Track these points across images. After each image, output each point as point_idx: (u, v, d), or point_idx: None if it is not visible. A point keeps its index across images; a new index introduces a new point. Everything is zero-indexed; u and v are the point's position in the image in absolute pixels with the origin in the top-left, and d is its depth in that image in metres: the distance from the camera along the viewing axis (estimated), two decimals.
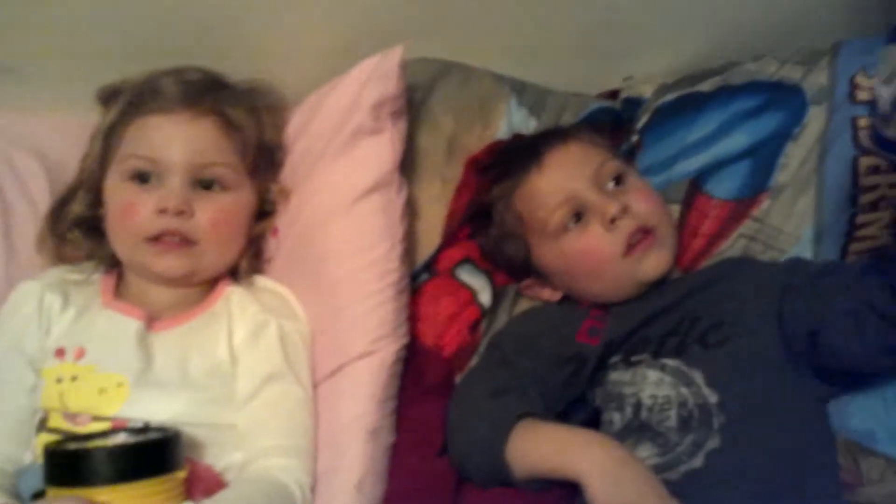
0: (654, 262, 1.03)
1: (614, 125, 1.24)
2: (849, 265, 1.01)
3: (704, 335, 0.98)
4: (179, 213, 0.99)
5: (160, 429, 0.86)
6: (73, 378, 0.94)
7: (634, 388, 0.97)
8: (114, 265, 1.06)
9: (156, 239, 0.99)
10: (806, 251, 1.09)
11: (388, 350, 1.00)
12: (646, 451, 0.93)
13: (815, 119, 1.12)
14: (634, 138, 1.20)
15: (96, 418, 0.92)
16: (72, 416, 0.93)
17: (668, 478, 0.90)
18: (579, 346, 1.02)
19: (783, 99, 1.15)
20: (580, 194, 1.04)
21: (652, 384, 0.97)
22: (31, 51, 1.14)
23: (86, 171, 1.07)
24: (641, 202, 1.05)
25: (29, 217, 1.10)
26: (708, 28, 1.22)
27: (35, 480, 0.87)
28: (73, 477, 0.80)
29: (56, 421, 0.93)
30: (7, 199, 1.11)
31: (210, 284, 1.05)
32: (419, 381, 1.05)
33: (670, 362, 0.97)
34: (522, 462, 0.92)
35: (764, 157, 1.14)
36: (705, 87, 1.18)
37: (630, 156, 1.19)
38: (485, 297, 1.13)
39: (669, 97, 1.20)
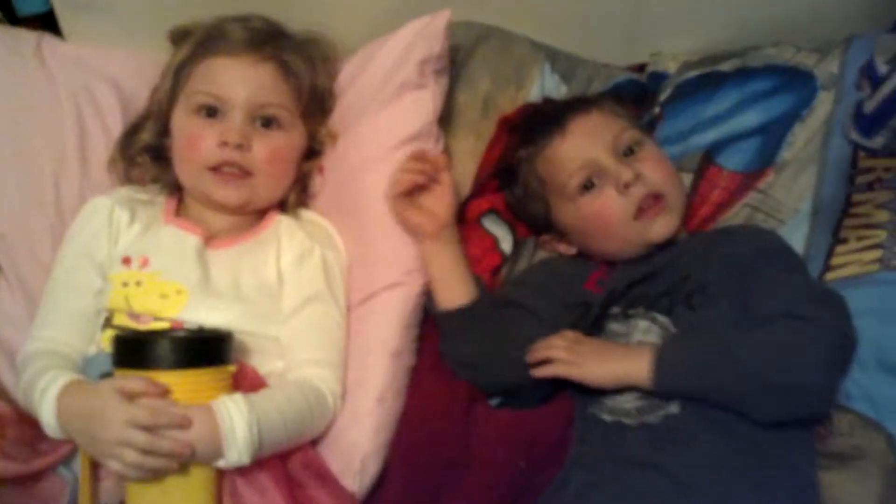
0: (661, 226, 1.12)
1: (639, 97, 1.33)
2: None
3: (690, 296, 1.07)
4: (239, 146, 1.10)
5: (214, 330, 0.98)
6: (138, 283, 1.06)
7: (627, 338, 1.08)
8: (176, 189, 1.17)
9: (216, 169, 1.10)
10: (804, 223, 1.18)
11: (416, 283, 1.12)
12: (631, 394, 1.03)
13: (823, 103, 1.21)
14: (656, 110, 1.30)
15: (157, 319, 1.05)
16: (135, 316, 1.05)
17: (648, 420, 1.02)
18: (586, 293, 1.13)
19: (796, 83, 1.24)
20: (598, 160, 1.13)
21: (641, 331, 1.07)
22: None
23: (155, 103, 1.19)
24: (654, 170, 1.13)
25: (102, 141, 1.22)
26: (733, 13, 1.30)
27: (100, 366, 1.00)
28: (139, 360, 0.92)
29: (120, 319, 1.06)
30: (85, 123, 1.23)
31: (261, 213, 1.17)
32: None
33: (660, 317, 1.07)
34: None
35: (773, 134, 1.23)
36: (725, 66, 1.28)
37: (651, 126, 1.29)
38: (506, 246, 1.23)
39: (691, 74, 1.30)
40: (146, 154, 1.19)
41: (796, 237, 1.17)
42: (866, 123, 0.92)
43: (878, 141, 0.92)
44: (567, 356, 1.05)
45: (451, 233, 1.13)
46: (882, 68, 0.85)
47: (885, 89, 0.85)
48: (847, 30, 1.24)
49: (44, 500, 0.97)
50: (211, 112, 1.12)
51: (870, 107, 0.89)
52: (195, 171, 1.12)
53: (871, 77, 0.87)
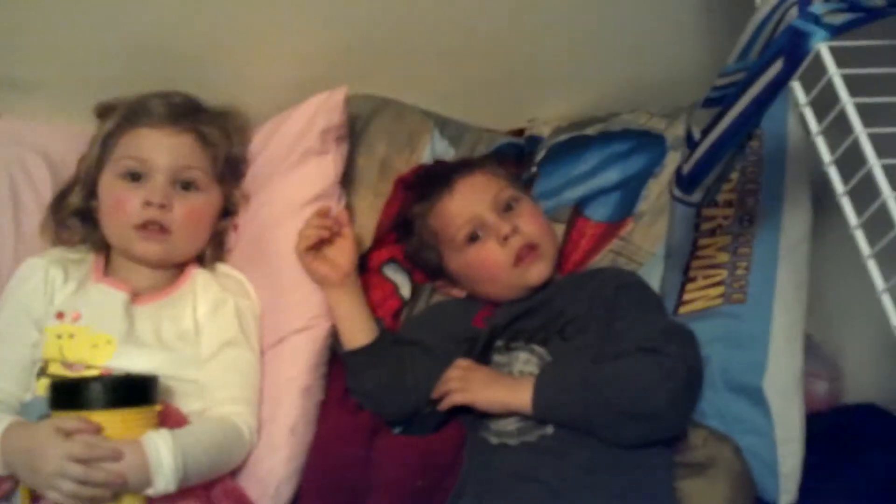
0: (537, 271, 1.27)
1: (518, 158, 1.49)
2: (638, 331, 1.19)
3: (563, 329, 1.22)
4: (161, 206, 1.22)
5: (141, 374, 1.10)
6: (71, 335, 1.17)
7: (509, 367, 1.22)
8: (102, 248, 1.28)
9: (141, 227, 1.22)
10: (658, 264, 1.34)
11: (322, 327, 1.25)
12: (512, 417, 1.17)
13: (672, 162, 1.38)
14: (533, 169, 1.46)
15: (89, 367, 1.15)
16: (69, 365, 1.16)
17: (526, 440, 1.16)
18: (473, 329, 1.27)
19: (649, 144, 1.42)
20: (481, 216, 1.27)
21: (521, 362, 1.21)
22: (42, 70, 1.37)
23: (83, 170, 1.30)
24: (529, 224, 1.28)
25: (35, 207, 1.32)
26: (596, 83, 1.48)
27: (37, 411, 1.10)
28: (74, 402, 1.03)
29: (55, 368, 1.16)
30: (17, 191, 1.32)
31: (181, 269, 1.28)
32: None
33: (538, 348, 1.22)
34: None
35: (631, 189, 1.40)
36: (590, 131, 1.45)
37: (529, 183, 1.45)
38: (405, 291, 1.37)
39: (562, 137, 1.46)
40: (75, 217, 1.29)
41: (653, 277, 1.33)
42: (685, 182, 1.09)
43: (695, 197, 1.09)
44: (459, 385, 1.20)
45: (354, 281, 1.27)
46: (697, 136, 1.02)
47: (697, 154, 1.02)
48: (691, 97, 1.42)
49: None
50: (135, 177, 1.24)
51: (686, 168, 1.06)
52: (121, 230, 1.24)
53: (689, 144, 1.04)
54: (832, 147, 0.87)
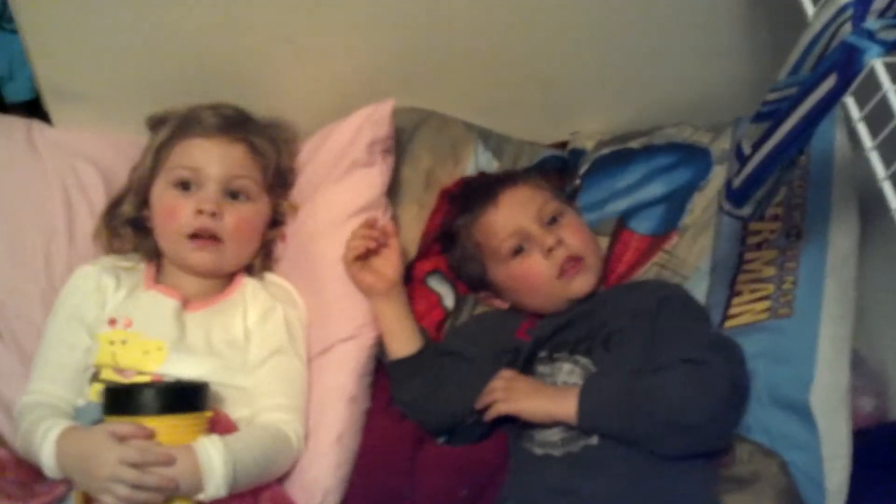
0: (581, 284, 1.27)
1: (562, 170, 1.50)
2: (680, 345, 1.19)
3: (607, 340, 1.23)
4: (213, 214, 1.24)
5: (192, 381, 1.12)
6: (123, 341, 1.19)
7: (552, 378, 1.23)
8: (154, 256, 1.31)
9: (193, 236, 1.24)
10: (704, 278, 1.34)
11: (368, 336, 1.26)
12: (557, 427, 1.18)
13: (717, 175, 1.38)
14: (577, 182, 1.47)
15: (140, 373, 1.17)
16: (121, 371, 1.18)
17: (570, 450, 1.16)
18: (517, 340, 1.28)
19: (694, 158, 1.42)
20: (525, 228, 1.28)
21: (565, 373, 1.22)
22: (93, 81, 1.40)
23: (136, 179, 1.33)
24: (574, 236, 1.29)
25: (87, 215, 1.35)
26: (639, 96, 1.49)
27: (90, 415, 1.12)
28: (128, 408, 1.05)
29: (107, 374, 1.18)
30: (71, 200, 1.36)
31: (230, 277, 1.30)
32: None
33: (582, 359, 1.22)
34: None
35: (676, 202, 1.40)
36: (634, 144, 1.45)
37: (572, 196, 1.45)
38: (449, 302, 1.38)
39: (606, 150, 1.47)
40: (128, 225, 1.32)
41: (698, 291, 1.33)
42: (735, 196, 1.09)
43: (745, 211, 1.09)
44: (504, 395, 1.20)
45: (400, 291, 1.28)
46: (747, 150, 1.02)
47: (748, 168, 1.02)
48: (733, 113, 1.42)
49: None
50: (187, 185, 1.26)
51: (737, 182, 1.06)
52: (173, 238, 1.26)
53: (739, 158, 1.04)
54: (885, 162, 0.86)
